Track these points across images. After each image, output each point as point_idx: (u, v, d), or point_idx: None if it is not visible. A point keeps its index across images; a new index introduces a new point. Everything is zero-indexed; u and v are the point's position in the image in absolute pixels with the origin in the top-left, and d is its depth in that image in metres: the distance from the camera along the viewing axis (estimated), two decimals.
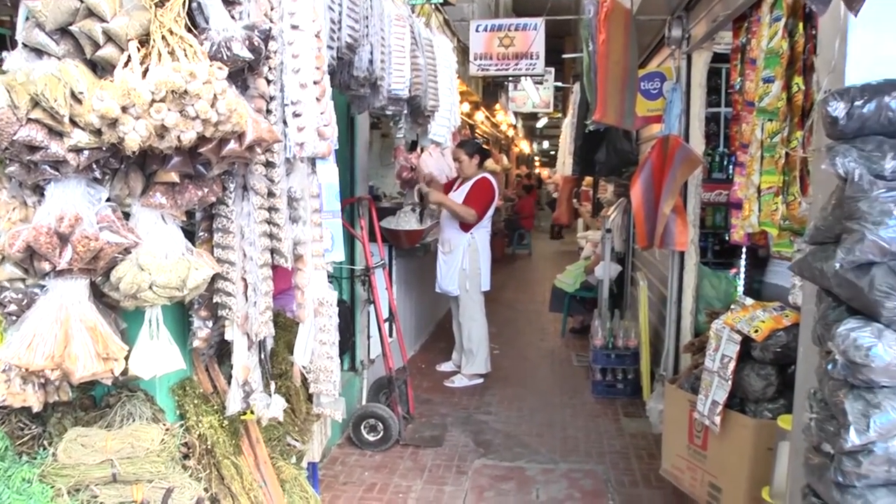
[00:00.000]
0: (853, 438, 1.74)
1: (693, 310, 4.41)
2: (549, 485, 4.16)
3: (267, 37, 2.05)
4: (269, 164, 2.23)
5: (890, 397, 1.75)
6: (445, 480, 4.20)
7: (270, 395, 2.46)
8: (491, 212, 5.96)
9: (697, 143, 4.32)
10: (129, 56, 1.75)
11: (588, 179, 10.81)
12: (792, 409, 2.48)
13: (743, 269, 4.37)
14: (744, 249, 4.38)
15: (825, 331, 1.87)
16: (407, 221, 5.63)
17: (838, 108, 1.84)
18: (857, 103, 1.83)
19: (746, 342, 2.93)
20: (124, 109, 1.66)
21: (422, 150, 5.89)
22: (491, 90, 11.79)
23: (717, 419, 3.00)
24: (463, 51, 7.43)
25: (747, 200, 3.03)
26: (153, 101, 1.68)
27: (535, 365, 6.84)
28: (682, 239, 4.14)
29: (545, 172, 26.08)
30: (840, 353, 1.78)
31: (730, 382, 2.94)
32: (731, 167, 4.51)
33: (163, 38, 1.77)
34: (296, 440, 2.99)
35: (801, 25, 2.59)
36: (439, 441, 4.74)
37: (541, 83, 12.27)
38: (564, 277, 7.86)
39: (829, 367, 1.84)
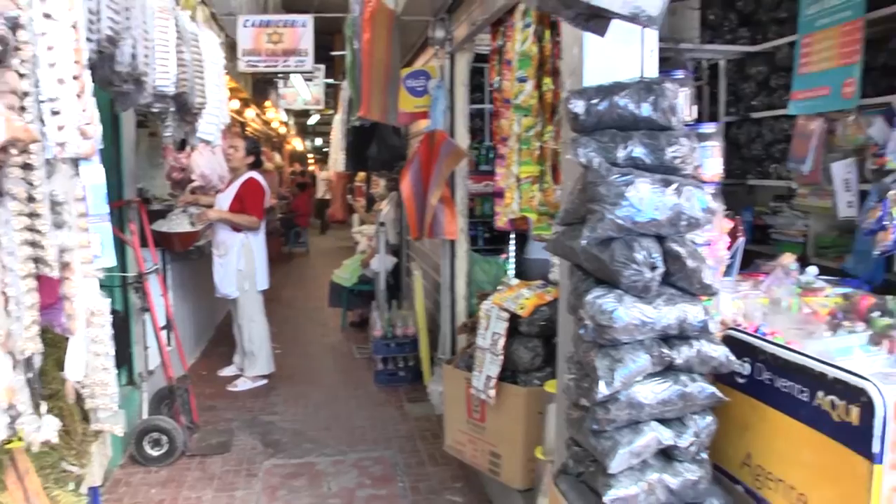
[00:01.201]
0: (602, 390, 2.01)
1: (466, 294, 4.71)
2: (339, 476, 4.24)
3: (15, 25, 1.90)
4: (27, 167, 2.06)
5: (630, 352, 2.05)
6: (236, 486, 4.13)
7: (41, 417, 2.28)
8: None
9: (462, 138, 4.61)
10: None
11: (361, 175, 11.00)
12: (556, 375, 2.78)
13: (512, 254, 4.74)
14: (512, 235, 4.77)
15: (577, 300, 2.14)
16: (179, 224, 5.40)
17: (578, 106, 2.11)
18: (594, 101, 2.12)
19: (514, 319, 3.22)
20: None
21: (192, 149, 5.67)
22: (261, 87, 11.53)
23: (492, 392, 3.26)
24: (231, 46, 7.21)
25: (508, 189, 3.32)
26: None
27: (318, 361, 6.89)
28: (451, 228, 4.40)
29: (323, 172, 25.98)
30: (589, 318, 2.05)
31: (501, 357, 3.21)
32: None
33: None
34: (73, 465, 2.79)
35: (547, 32, 2.90)
36: (227, 446, 4.63)
37: (311, 80, 12.22)
38: (341, 272, 7.96)
39: (581, 331, 2.11)
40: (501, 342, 3.22)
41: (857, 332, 2.97)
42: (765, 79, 4.70)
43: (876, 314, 3.11)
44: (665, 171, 2.06)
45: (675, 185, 2.00)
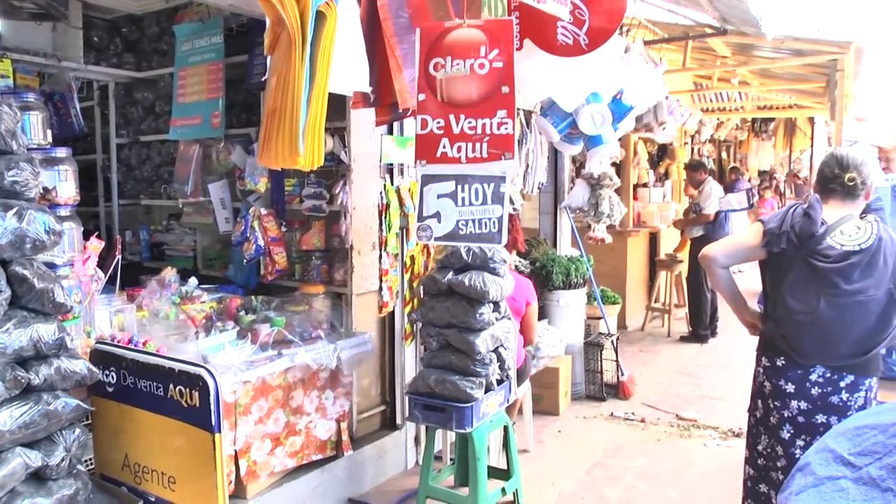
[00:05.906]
0: None
1: None
2: None
3: None
4: None
5: None
6: None
7: None
8: None
9: None
10: None
11: None
12: None
13: None
14: None
15: None
16: None
17: None
18: None
19: None
20: None
21: None
22: None
23: None
24: None
25: None
26: None
27: None
28: None
29: None
30: None
31: None
32: None
33: None
34: None
35: None
36: None
37: None
38: None
39: None
40: None
41: (228, 330, 3.44)
42: (151, 104, 4.96)
43: (243, 313, 3.64)
44: (6, 196, 2.07)
45: (15, 209, 2.03)
